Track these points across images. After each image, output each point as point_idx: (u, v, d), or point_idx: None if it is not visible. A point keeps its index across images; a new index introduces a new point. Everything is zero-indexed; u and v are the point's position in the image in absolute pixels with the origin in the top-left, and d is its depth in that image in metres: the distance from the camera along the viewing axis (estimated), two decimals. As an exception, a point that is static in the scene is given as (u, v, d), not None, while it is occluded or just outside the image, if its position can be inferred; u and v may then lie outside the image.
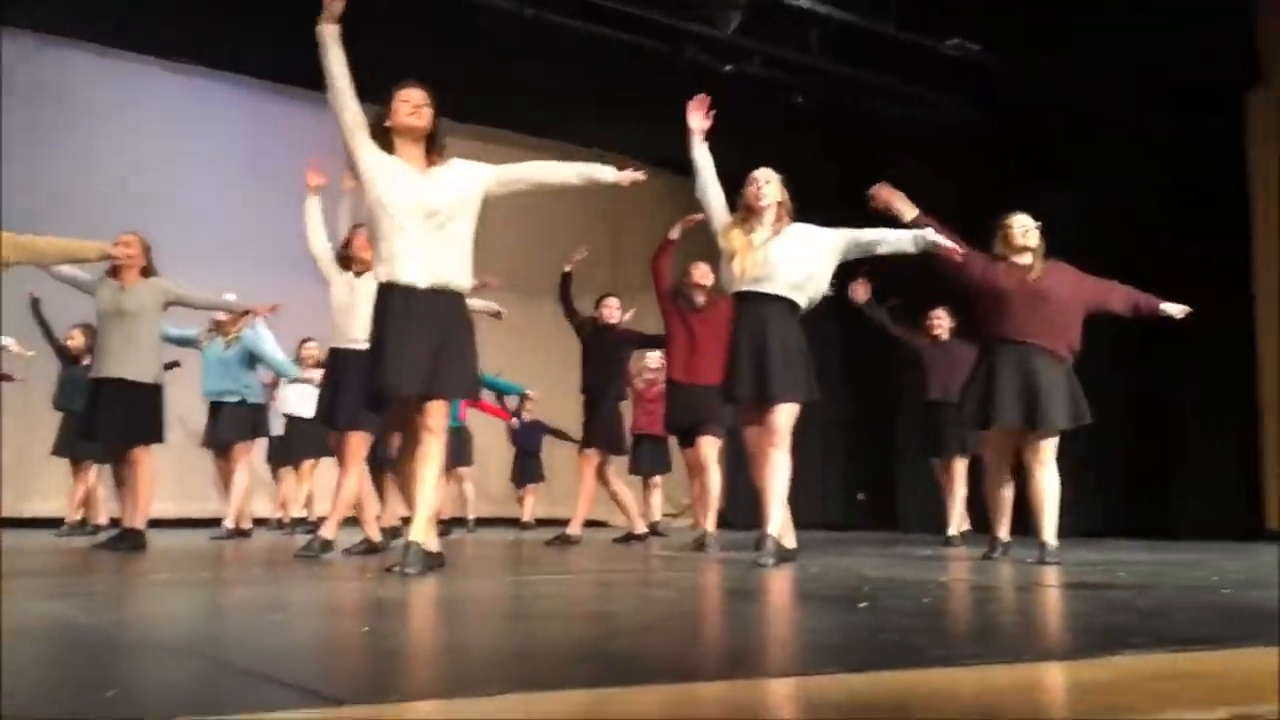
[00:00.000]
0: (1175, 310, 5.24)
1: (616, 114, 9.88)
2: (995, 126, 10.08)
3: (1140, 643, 2.06)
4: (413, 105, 4.03)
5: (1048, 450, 4.99)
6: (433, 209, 3.94)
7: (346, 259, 5.49)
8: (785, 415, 4.62)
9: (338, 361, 5.38)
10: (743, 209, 4.91)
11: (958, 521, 7.09)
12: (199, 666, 1.79)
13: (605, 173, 4.36)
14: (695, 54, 9.26)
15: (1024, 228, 5.21)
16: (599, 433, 7.01)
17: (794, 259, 4.72)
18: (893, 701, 1.50)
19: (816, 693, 1.53)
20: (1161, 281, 8.78)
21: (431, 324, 3.87)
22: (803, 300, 4.77)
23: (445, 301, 3.92)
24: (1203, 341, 8.42)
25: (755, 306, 4.71)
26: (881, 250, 4.84)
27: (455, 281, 3.98)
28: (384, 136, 4.04)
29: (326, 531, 5.22)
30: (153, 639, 2.18)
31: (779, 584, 3.66)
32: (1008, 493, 5.28)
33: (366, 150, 4.00)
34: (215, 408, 7.84)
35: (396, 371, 3.83)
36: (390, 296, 3.90)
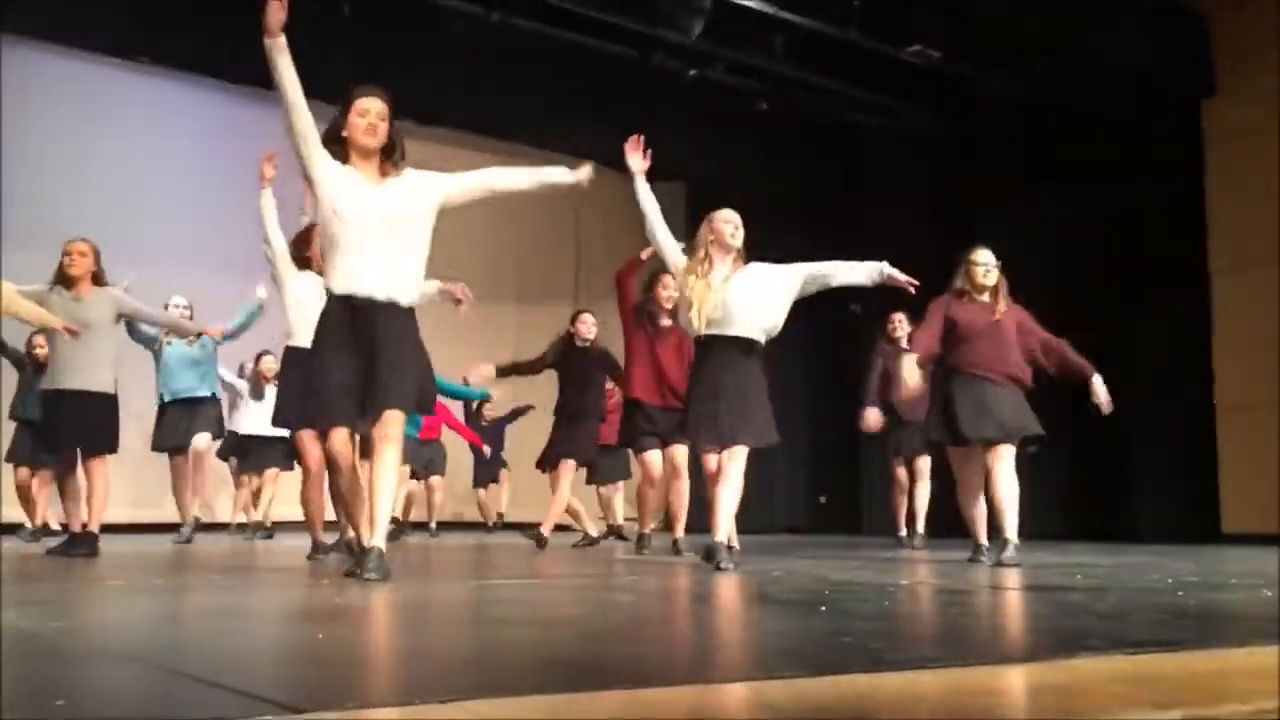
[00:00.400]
0: (1101, 395, 5.38)
1: (583, 119, 9.86)
2: (957, 133, 10.17)
3: (1098, 645, 2.08)
4: (369, 122, 3.92)
5: (1006, 458, 5.16)
6: (387, 220, 3.88)
7: (305, 259, 5.42)
8: (741, 455, 4.73)
9: (296, 360, 5.29)
10: (702, 248, 4.94)
11: (918, 522, 7.23)
12: (151, 674, 1.76)
13: (559, 174, 4.32)
14: (661, 59, 9.27)
15: (985, 267, 5.36)
16: (581, 447, 7.03)
17: (752, 300, 4.82)
18: (853, 705, 1.50)
19: (775, 697, 1.53)
20: (1120, 284, 8.99)
21: (380, 337, 3.80)
22: (762, 336, 4.85)
23: (396, 313, 3.87)
24: (1159, 345, 8.55)
25: (716, 351, 4.79)
26: (836, 283, 4.95)
27: (407, 294, 3.93)
28: (339, 144, 3.96)
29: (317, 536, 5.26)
30: (104, 646, 2.15)
31: (742, 588, 3.67)
32: (982, 505, 5.39)
33: (319, 159, 3.93)
34: (179, 405, 7.62)
35: (328, 403, 3.79)
36: (339, 309, 3.84)
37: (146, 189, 10.07)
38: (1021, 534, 5.15)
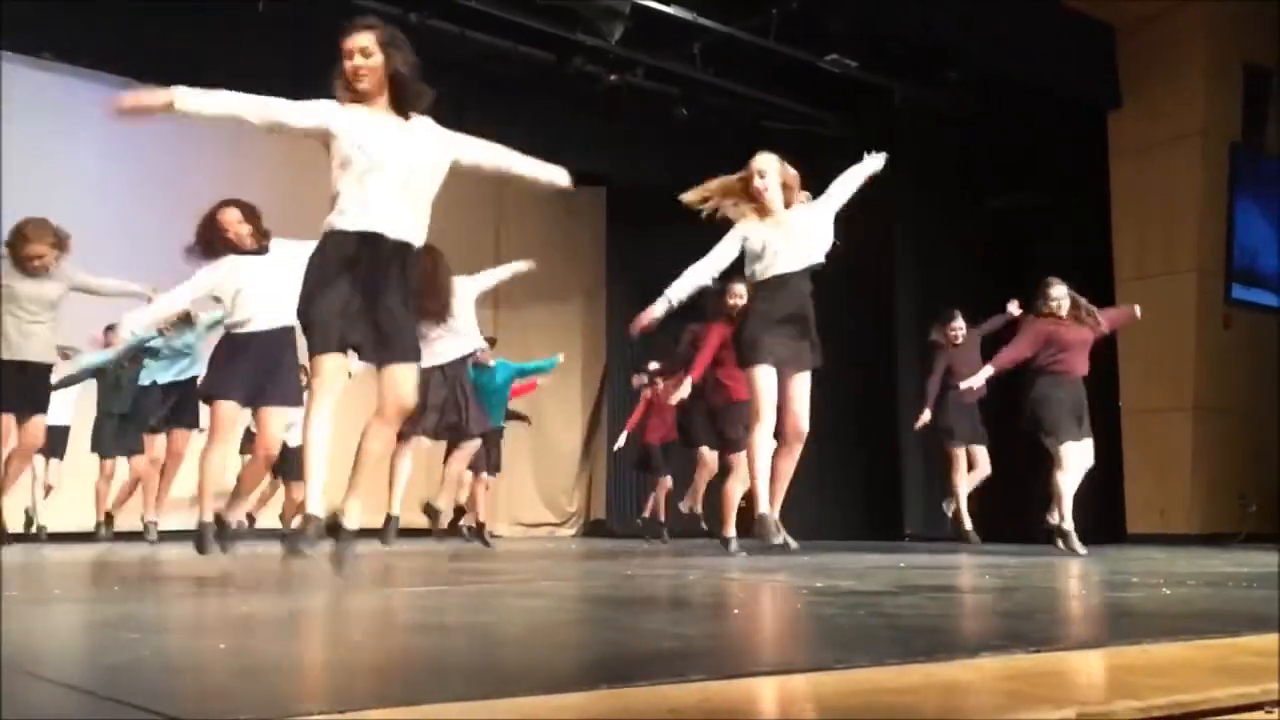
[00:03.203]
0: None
1: (501, 123, 9.80)
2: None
3: (1000, 644, 2.11)
4: (353, 65, 3.77)
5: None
6: (403, 163, 3.76)
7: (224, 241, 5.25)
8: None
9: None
10: (749, 198, 5.33)
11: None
12: (38, 689, 1.70)
13: (559, 175, 4.29)
14: (580, 64, 9.26)
15: (1058, 301, 6.49)
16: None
17: (809, 232, 5.41)
18: (738, 706, 1.50)
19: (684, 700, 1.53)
20: (1029, 290, 9.18)
21: (386, 278, 3.71)
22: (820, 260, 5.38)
23: (408, 254, 3.75)
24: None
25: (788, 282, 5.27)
26: (857, 185, 5.70)
27: (418, 237, 3.82)
28: (349, 91, 3.80)
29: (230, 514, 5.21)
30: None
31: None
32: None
33: (320, 113, 3.79)
34: (169, 390, 7.28)
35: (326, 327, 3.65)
36: (345, 246, 3.69)
37: (50, 188, 9.76)
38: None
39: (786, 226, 5.32)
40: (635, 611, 2.87)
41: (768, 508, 5.16)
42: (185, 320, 6.93)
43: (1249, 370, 8.94)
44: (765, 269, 5.29)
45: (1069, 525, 6.32)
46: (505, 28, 8.71)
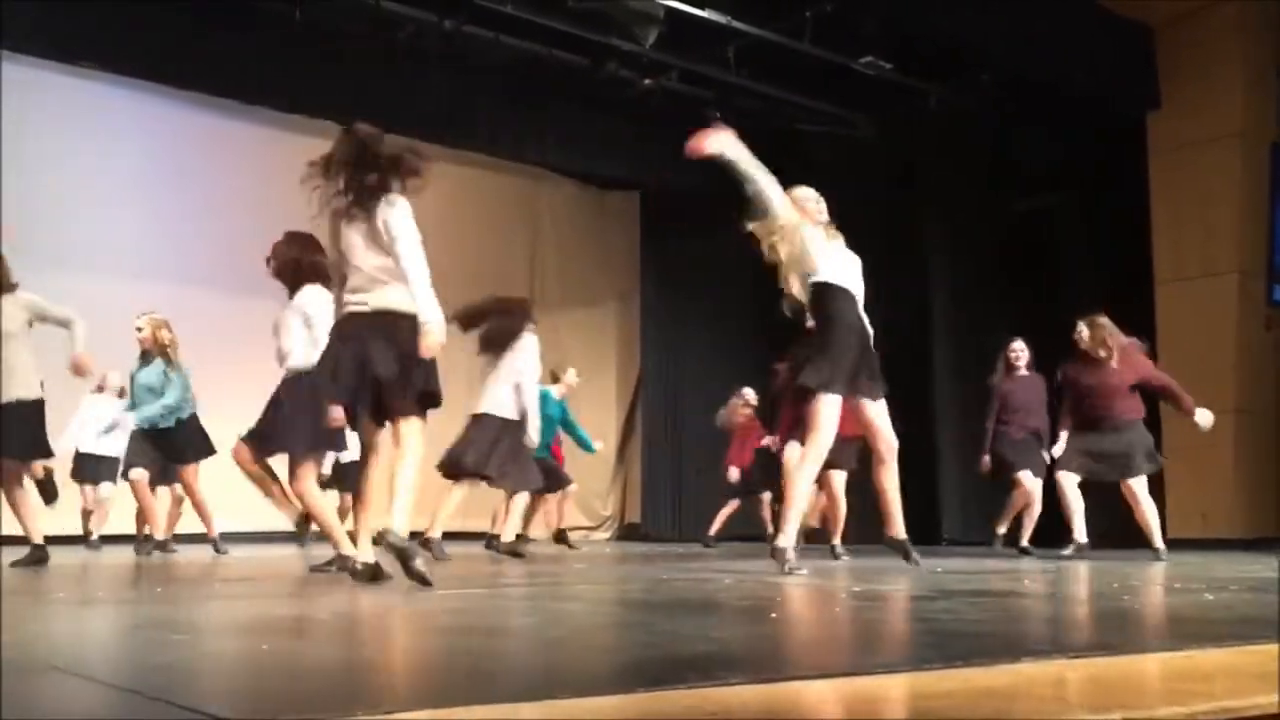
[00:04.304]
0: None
1: (535, 127, 9.86)
2: (906, 144, 10.28)
3: (1040, 649, 2.10)
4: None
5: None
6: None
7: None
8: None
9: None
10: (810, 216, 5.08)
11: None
12: (84, 687, 1.73)
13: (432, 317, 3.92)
14: (615, 68, 9.28)
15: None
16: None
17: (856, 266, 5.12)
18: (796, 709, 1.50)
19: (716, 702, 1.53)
20: (1069, 287, 9.13)
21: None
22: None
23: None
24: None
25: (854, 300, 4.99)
26: None
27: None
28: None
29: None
30: (44, 660, 2.11)
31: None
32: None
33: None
34: (167, 430, 7.21)
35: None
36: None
37: (93, 197, 9.90)
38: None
39: (842, 249, 5.10)
40: (675, 615, 2.88)
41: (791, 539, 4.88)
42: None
43: (1292, 372, 8.84)
44: (829, 273, 4.95)
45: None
46: (539, 33, 8.74)
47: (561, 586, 4.35)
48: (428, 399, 4.01)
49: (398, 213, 3.99)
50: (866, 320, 4.98)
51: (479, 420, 6.64)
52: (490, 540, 7.42)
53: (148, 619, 2.98)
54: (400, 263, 3.88)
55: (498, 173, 11.59)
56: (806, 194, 5.14)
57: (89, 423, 8.60)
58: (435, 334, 3.79)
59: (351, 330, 3.98)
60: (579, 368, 12.22)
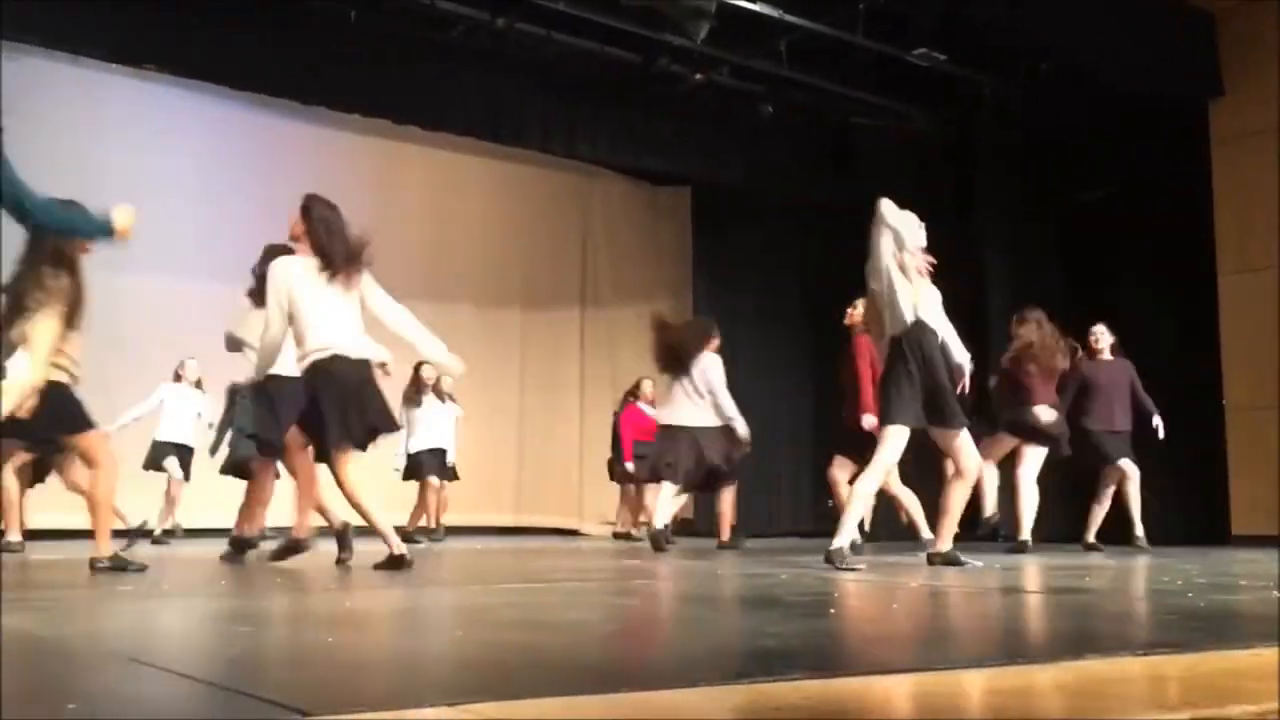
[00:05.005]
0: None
1: (586, 124, 9.88)
2: (961, 136, 10.17)
3: (1106, 646, 2.08)
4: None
5: None
6: None
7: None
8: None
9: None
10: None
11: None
12: (160, 679, 1.77)
13: (438, 355, 4.85)
14: (666, 64, 9.28)
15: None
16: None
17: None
18: (876, 705, 1.50)
19: (775, 698, 1.53)
20: (1126, 287, 8.99)
21: None
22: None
23: None
24: (1167, 347, 8.52)
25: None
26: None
27: None
28: None
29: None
30: (113, 650, 2.16)
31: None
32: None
33: None
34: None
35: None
36: None
37: (149, 197, 10.06)
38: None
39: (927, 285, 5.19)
40: (739, 609, 2.88)
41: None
42: None
43: (1361, 365, 8.62)
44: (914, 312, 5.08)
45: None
46: (591, 29, 8.76)
47: (619, 581, 4.37)
48: None
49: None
50: (953, 351, 5.09)
51: (684, 431, 7.22)
52: (722, 543, 7.52)
53: (213, 612, 3.04)
54: None
55: (549, 170, 11.63)
56: (908, 220, 5.16)
57: (172, 412, 8.65)
58: None
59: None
60: (630, 364, 12.26)
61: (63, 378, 4.46)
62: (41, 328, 4.29)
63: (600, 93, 9.57)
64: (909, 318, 4.98)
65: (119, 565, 4.46)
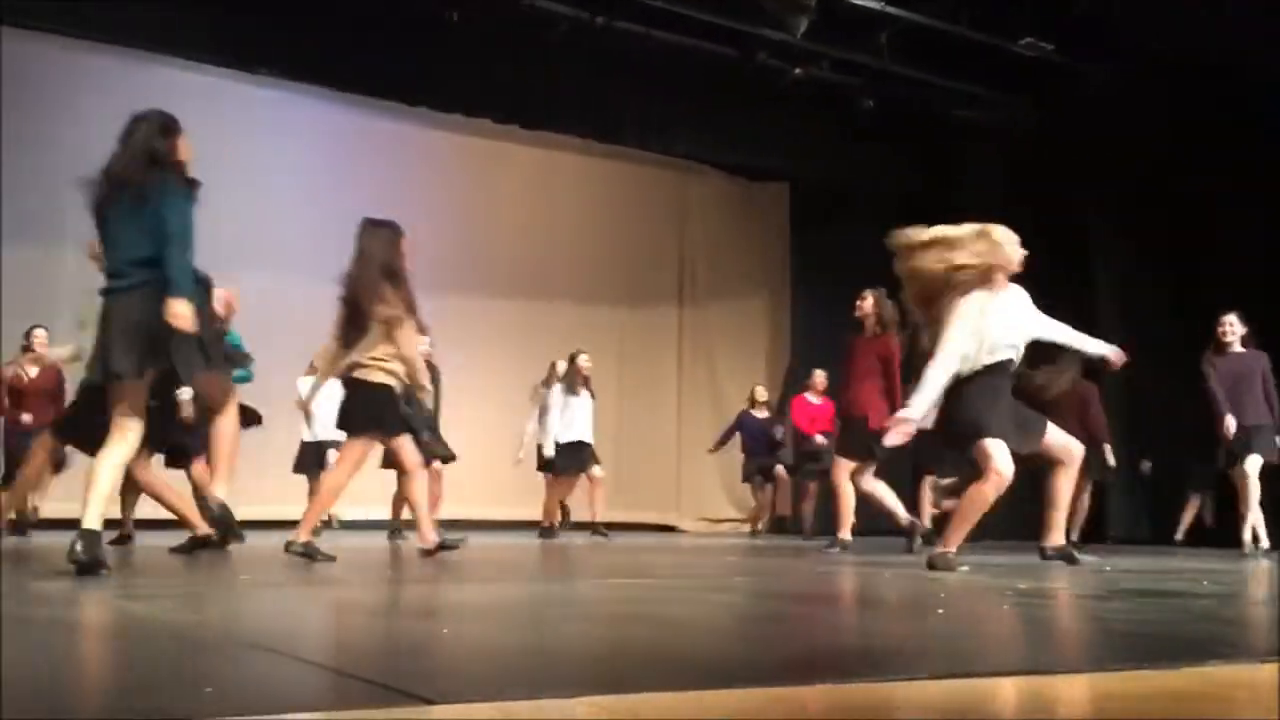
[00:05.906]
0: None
1: (686, 120, 9.90)
2: (1064, 128, 9.93)
3: (1226, 652, 2.03)
4: None
5: None
6: None
7: None
8: None
9: None
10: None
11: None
12: (286, 665, 1.84)
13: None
14: (764, 59, 9.25)
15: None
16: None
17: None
18: (980, 705, 1.50)
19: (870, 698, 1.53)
20: (1228, 271, 8.64)
21: None
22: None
23: None
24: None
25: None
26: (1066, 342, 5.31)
27: None
28: None
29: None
30: (244, 639, 2.25)
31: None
32: None
33: None
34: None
35: None
36: None
37: (269, 198, 10.30)
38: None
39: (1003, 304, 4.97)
40: (843, 609, 2.87)
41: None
42: None
43: None
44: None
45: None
46: (689, 25, 8.78)
47: (717, 578, 4.38)
48: None
49: None
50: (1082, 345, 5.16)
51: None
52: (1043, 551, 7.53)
53: (332, 601, 3.14)
54: None
55: (647, 166, 11.67)
56: (1008, 236, 4.95)
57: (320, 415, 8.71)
58: None
59: None
60: (728, 361, 12.19)
61: (391, 382, 4.95)
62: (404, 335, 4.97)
63: (698, 89, 9.58)
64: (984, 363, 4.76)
65: (309, 553, 4.74)
